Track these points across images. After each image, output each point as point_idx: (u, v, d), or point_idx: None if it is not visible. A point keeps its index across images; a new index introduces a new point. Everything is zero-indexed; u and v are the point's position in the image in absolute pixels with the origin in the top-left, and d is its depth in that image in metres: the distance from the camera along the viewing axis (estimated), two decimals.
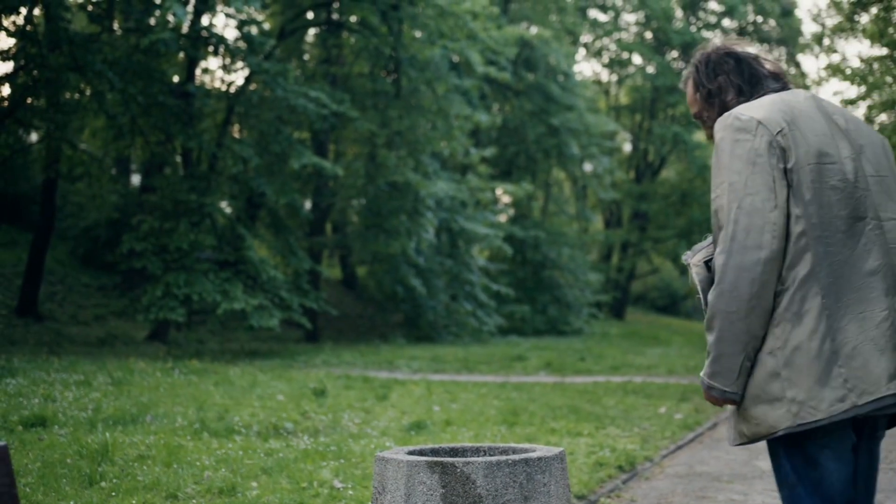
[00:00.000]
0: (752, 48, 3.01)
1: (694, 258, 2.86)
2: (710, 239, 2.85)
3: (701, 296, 2.82)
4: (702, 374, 2.76)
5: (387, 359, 19.03)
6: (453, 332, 27.11)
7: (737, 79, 2.92)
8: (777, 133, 2.69)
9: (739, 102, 2.89)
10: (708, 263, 2.81)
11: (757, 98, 2.87)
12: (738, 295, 2.62)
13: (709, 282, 2.79)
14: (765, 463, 7.69)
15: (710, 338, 2.69)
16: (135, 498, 5.39)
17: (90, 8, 19.45)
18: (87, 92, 18.67)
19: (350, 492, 5.79)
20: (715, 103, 2.94)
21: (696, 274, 2.82)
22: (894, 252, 2.74)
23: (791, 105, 2.79)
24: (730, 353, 2.65)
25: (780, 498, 2.83)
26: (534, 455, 2.94)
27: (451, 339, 26.57)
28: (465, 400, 11.44)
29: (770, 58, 3.02)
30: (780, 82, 2.93)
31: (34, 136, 22.81)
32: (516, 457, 2.89)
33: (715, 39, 3.06)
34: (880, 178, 2.79)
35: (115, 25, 20.45)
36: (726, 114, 2.79)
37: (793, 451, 2.72)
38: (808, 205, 2.65)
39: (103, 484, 5.67)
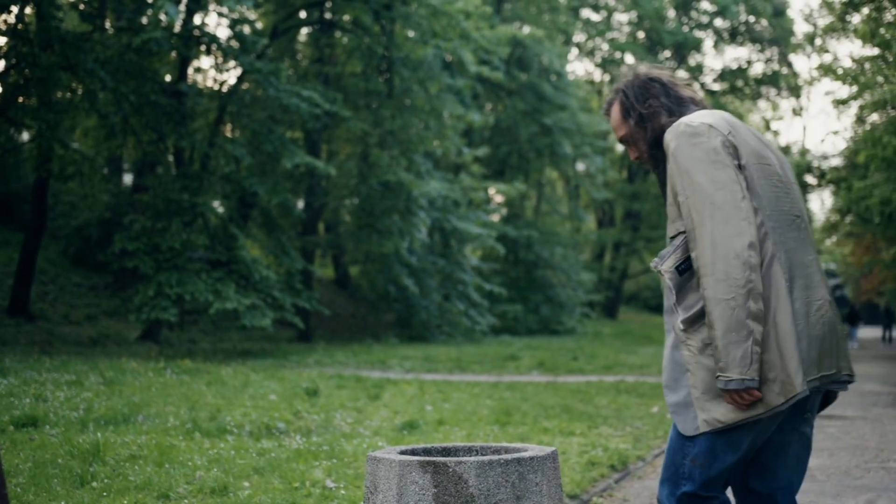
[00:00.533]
0: (669, 74, 3.18)
1: (664, 265, 2.93)
2: (675, 244, 2.93)
3: (675, 299, 2.90)
4: (717, 374, 2.78)
5: (379, 358, 19.02)
6: (446, 332, 27.12)
7: (666, 101, 3.07)
8: (727, 134, 2.89)
9: (672, 122, 3.02)
10: (678, 268, 2.90)
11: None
12: (733, 281, 2.73)
13: (681, 285, 2.89)
14: None
15: (714, 332, 2.75)
16: (126, 498, 5.37)
17: (82, 7, 19.40)
18: (79, 91, 18.62)
19: (342, 491, 5.78)
20: (647, 126, 3.08)
21: (670, 279, 2.90)
22: (815, 248, 3.01)
23: (725, 116, 2.99)
24: (736, 340, 2.73)
25: (669, 465, 2.92)
26: (526, 455, 2.94)
27: (443, 338, 26.58)
28: (457, 399, 11.44)
29: (686, 83, 3.19)
30: (699, 106, 3.11)
31: (25, 136, 22.74)
32: (508, 456, 2.89)
33: (638, 67, 3.21)
34: (795, 186, 3.08)
35: (107, 24, 20.40)
36: (675, 124, 2.94)
37: (718, 437, 2.83)
38: (761, 198, 2.86)
39: (94, 484, 5.65)
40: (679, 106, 3.06)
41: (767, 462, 2.99)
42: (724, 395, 2.78)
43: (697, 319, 2.85)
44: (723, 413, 2.79)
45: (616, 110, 3.15)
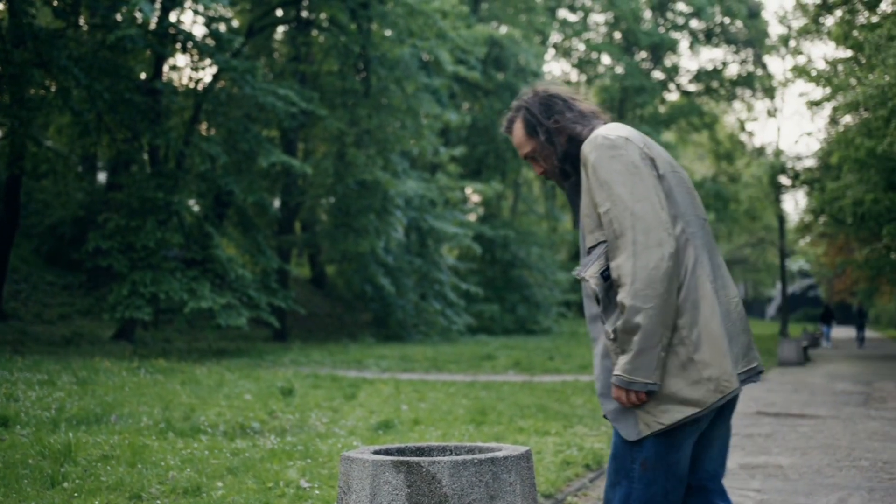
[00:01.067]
0: (568, 89, 3.21)
1: (588, 271, 2.98)
2: (596, 252, 2.98)
3: (600, 305, 2.96)
4: (618, 372, 2.86)
5: (355, 358, 18.98)
6: (422, 331, 27.10)
7: (571, 115, 3.11)
8: (643, 146, 2.97)
9: (581, 135, 3.07)
10: (603, 274, 2.95)
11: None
12: (653, 291, 2.81)
13: (606, 290, 2.95)
14: (730, 461, 7.74)
15: (633, 336, 2.83)
16: (98, 499, 5.32)
17: (55, 3, 19.22)
18: (52, 88, 18.44)
19: (316, 491, 5.76)
20: (556, 141, 3.10)
21: (596, 285, 2.95)
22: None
23: (633, 129, 3.06)
24: (650, 346, 2.82)
25: (626, 484, 2.94)
26: (500, 454, 2.93)
27: (419, 338, 26.56)
28: (433, 399, 11.43)
29: (585, 98, 3.23)
30: (601, 120, 3.16)
31: None
32: (482, 456, 2.88)
33: (537, 84, 3.24)
34: (696, 193, 3.18)
35: (81, 21, 20.22)
36: (592, 136, 2.98)
37: (661, 439, 2.90)
38: (679, 206, 2.97)
39: (66, 485, 5.60)
40: (584, 119, 3.11)
41: (697, 454, 3.08)
42: (613, 389, 2.89)
43: None
44: (661, 415, 2.86)
45: (519, 127, 3.17)
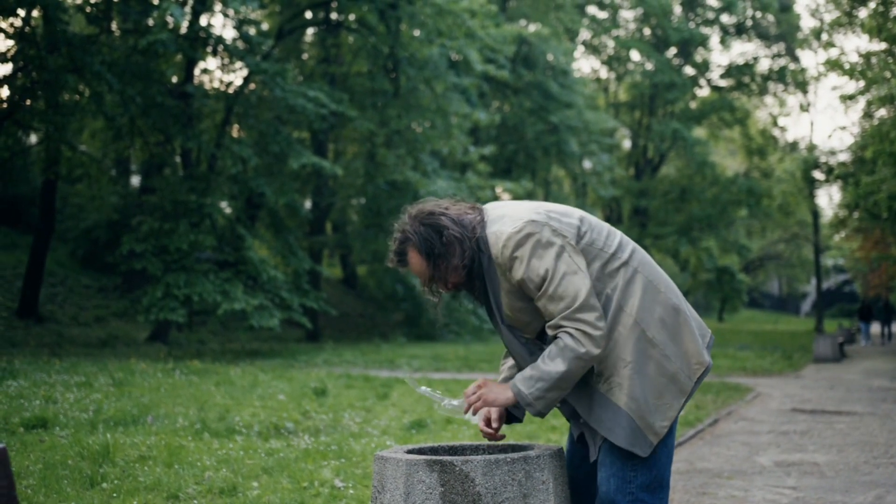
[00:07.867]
0: (438, 201, 3.07)
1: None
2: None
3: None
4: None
5: (387, 357, 19.03)
6: (454, 331, 27.11)
7: (456, 226, 2.98)
8: (546, 219, 2.99)
9: (480, 236, 2.97)
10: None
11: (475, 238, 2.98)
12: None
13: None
14: (765, 459, 7.69)
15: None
16: (136, 499, 5.39)
17: (88, 9, 19.45)
18: (86, 93, 18.66)
19: (351, 491, 5.80)
20: (455, 255, 2.97)
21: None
22: None
23: (531, 204, 3.09)
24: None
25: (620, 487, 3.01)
26: (533, 453, 2.94)
27: (451, 337, 26.58)
28: None
29: (454, 201, 3.08)
30: (477, 213, 3.03)
31: (33, 138, 22.82)
32: (515, 455, 2.89)
33: (407, 209, 3.09)
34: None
35: (114, 27, 20.44)
36: (495, 238, 2.92)
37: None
38: (612, 236, 3.30)
39: (104, 485, 5.67)
40: (467, 224, 2.98)
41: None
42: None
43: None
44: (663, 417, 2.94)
45: (414, 256, 3.03)
